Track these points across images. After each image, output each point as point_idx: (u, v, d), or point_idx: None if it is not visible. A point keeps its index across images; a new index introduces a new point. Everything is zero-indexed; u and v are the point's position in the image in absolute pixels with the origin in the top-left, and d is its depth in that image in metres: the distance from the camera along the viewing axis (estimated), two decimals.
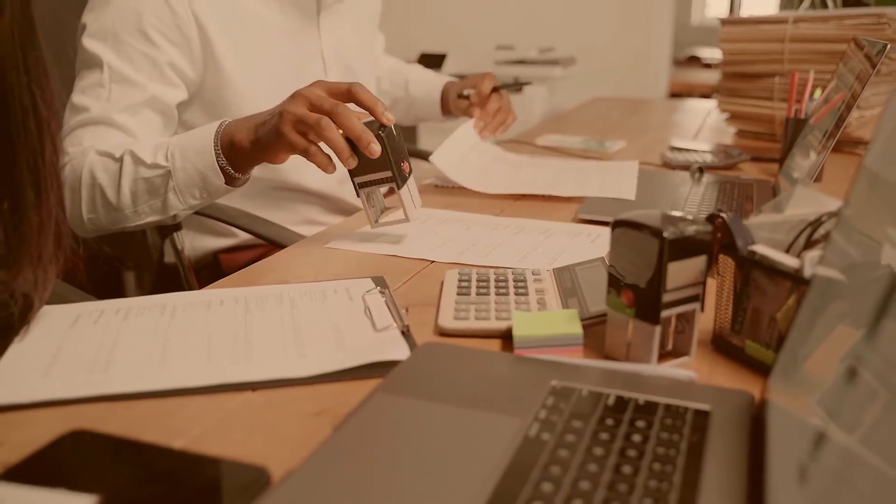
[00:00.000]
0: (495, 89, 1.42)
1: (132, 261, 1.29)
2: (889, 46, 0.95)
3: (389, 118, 0.90)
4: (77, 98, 1.05)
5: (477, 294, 0.77)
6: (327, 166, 0.90)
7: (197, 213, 1.11)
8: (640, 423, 0.53)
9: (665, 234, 0.60)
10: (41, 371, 0.63)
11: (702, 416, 0.55)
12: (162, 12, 1.06)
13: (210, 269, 1.22)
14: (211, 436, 0.55)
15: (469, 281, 0.80)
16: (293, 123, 0.88)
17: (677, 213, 0.64)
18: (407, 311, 0.73)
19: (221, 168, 0.95)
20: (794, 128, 1.34)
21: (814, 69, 1.44)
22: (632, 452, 0.50)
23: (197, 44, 1.10)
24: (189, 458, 0.51)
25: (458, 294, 0.77)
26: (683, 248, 0.61)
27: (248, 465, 0.49)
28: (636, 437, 0.52)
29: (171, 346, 0.67)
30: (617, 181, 1.26)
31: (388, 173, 0.91)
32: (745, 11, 4.70)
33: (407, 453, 0.50)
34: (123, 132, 1.04)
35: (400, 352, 0.65)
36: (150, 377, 0.62)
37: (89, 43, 1.05)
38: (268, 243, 1.14)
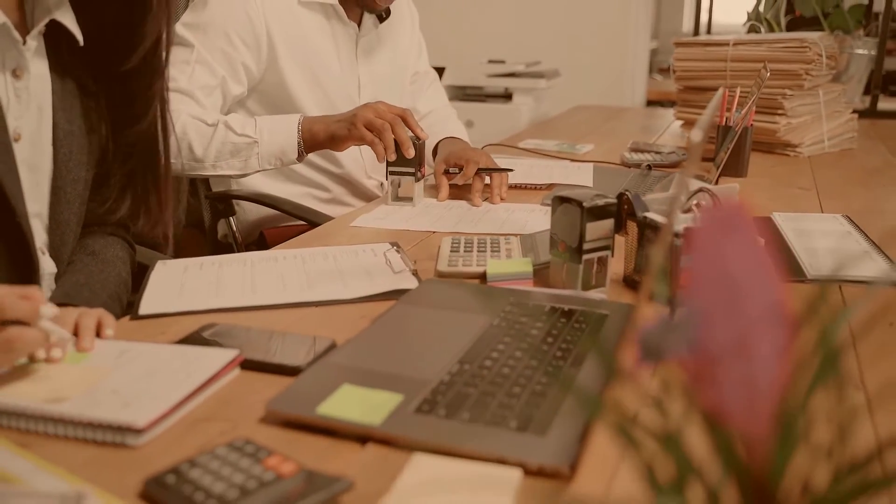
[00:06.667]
0: (480, 171, 1.41)
1: (190, 238, 1.62)
2: (769, 74, 1.27)
3: (424, 135, 1.35)
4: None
5: (464, 251, 1.09)
6: (380, 155, 1.31)
7: (250, 200, 1.45)
8: (563, 320, 0.86)
9: (584, 204, 0.93)
10: (175, 295, 0.95)
11: (602, 317, 0.87)
12: (244, 22, 1.44)
13: (257, 245, 1.55)
14: (293, 328, 0.87)
15: (459, 243, 1.12)
16: (364, 123, 1.30)
17: (598, 193, 0.96)
18: (415, 262, 1.06)
19: (297, 147, 1.35)
20: (724, 133, 1.66)
21: (741, 85, 1.76)
22: (554, 332, 0.82)
23: (265, 48, 1.47)
24: (286, 334, 0.83)
25: (451, 251, 1.09)
26: (597, 213, 0.94)
27: (324, 337, 0.81)
28: (559, 325, 0.84)
29: (257, 282, 1.00)
30: (576, 175, 1.59)
31: (412, 169, 1.34)
32: (719, 20, 5.02)
33: (418, 332, 0.83)
34: (198, 104, 1.40)
35: (412, 284, 0.97)
36: (247, 299, 0.94)
37: (182, 30, 1.41)
38: (305, 222, 1.46)
